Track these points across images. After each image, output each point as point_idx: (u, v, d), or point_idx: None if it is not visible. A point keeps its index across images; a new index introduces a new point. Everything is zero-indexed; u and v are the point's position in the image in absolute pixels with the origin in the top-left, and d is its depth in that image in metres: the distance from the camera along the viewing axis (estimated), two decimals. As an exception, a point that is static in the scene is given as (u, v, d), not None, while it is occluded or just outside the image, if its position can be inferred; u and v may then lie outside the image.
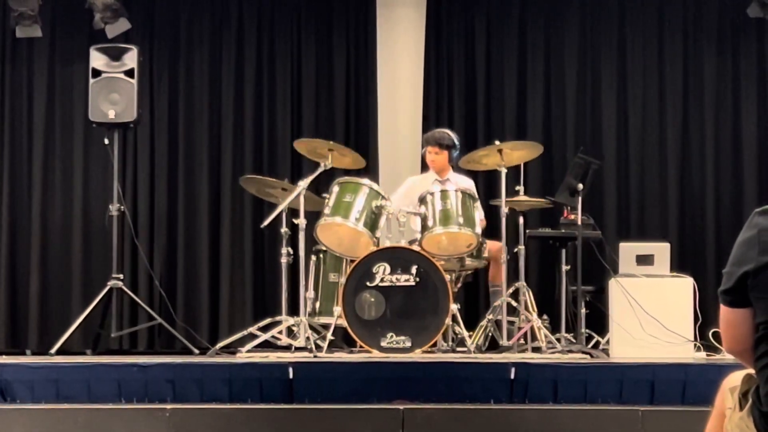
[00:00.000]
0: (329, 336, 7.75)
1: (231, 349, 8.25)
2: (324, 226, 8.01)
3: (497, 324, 8.19)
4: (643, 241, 8.67)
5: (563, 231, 8.90)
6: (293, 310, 8.33)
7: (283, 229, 8.36)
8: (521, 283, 8.31)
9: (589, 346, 8.61)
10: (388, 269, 7.69)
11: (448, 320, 7.71)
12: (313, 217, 8.18)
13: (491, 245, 8.41)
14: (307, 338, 7.71)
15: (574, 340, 8.49)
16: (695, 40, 10.60)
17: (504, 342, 8.08)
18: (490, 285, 8.78)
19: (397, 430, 6.30)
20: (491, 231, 8.70)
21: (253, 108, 10.65)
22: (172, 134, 10.63)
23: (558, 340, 8.37)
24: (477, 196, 8.33)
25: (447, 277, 7.76)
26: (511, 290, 8.31)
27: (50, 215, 10.53)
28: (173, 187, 10.58)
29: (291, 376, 6.72)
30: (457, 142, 8.90)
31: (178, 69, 10.69)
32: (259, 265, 10.51)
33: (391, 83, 10.63)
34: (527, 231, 8.77)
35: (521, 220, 8.60)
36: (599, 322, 8.78)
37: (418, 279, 7.67)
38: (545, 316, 8.57)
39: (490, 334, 8.23)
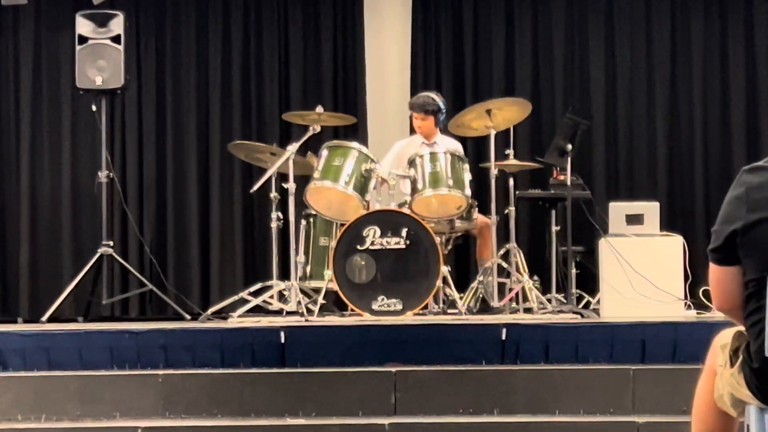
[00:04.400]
0: (320, 300, 7.76)
1: (222, 314, 8.27)
2: (313, 190, 8.00)
3: (488, 286, 8.21)
4: (633, 201, 8.67)
5: (553, 192, 8.91)
6: (284, 275, 8.34)
7: (273, 194, 8.36)
8: (512, 245, 8.32)
9: (580, 306, 8.64)
10: (379, 232, 7.69)
11: (439, 282, 7.72)
12: (303, 181, 8.17)
13: (479, 218, 8.40)
14: (299, 302, 7.72)
15: (564, 301, 8.52)
16: (683, 0, 10.56)
17: (495, 303, 8.09)
18: (478, 261, 8.78)
19: (390, 393, 6.32)
20: (481, 194, 8.70)
21: (241, 72, 10.61)
22: (160, 100, 10.60)
23: (549, 300, 8.39)
24: (465, 157, 8.32)
25: (437, 239, 7.77)
26: (501, 252, 8.33)
27: (39, 183, 10.50)
28: (162, 153, 10.56)
29: (283, 340, 6.72)
30: (443, 106, 8.89)
31: (165, 34, 10.64)
32: (249, 231, 10.51)
33: (379, 45, 10.60)
34: (517, 192, 8.77)
35: (511, 181, 8.59)
36: (590, 282, 8.82)
37: (408, 242, 7.68)
38: (536, 277, 8.59)
39: (481, 295, 8.25)
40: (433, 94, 9.04)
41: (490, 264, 8.18)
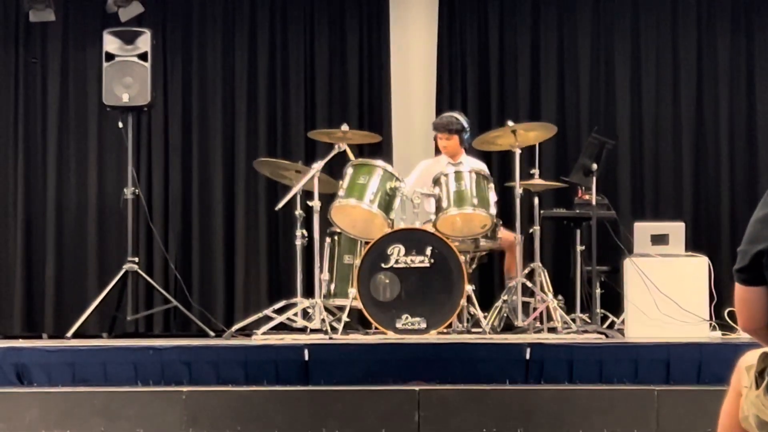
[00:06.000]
0: (344, 318, 7.76)
1: (246, 331, 8.27)
2: (338, 208, 8.01)
3: (512, 305, 8.20)
4: (658, 221, 8.66)
5: (578, 211, 8.89)
6: (308, 293, 8.34)
7: (298, 212, 8.36)
8: (536, 264, 8.31)
9: (605, 326, 8.61)
10: (403, 251, 7.69)
11: (463, 301, 7.71)
12: (328, 199, 8.18)
13: (506, 235, 8.40)
14: (323, 320, 7.72)
15: (589, 321, 8.50)
16: (709, 18, 10.55)
17: (519, 322, 8.08)
18: (505, 276, 8.80)
19: (413, 412, 6.31)
20: (505, 213, 8.70)
21: (267, 90, 10.64)
22: (186, 117, 10.64)
23: (573, 320, 8.37)
24: (491, 177, 8.32)
25: (462, 258, 7.76)
26: (526, 271, 8.31)
27: (65, 199, 10.55)
28: (187, 170, 10.59)
29: (306, 357, 6.73)
30: (466, 125, 8.90)
31: (191, 52, 10.69)
32: (273, 248, 10.52)
33: (404, 64, 10.62)
34: (542, 212, 8.76)
35: (536, 200, 8.59)
36: (614, 302, 8.80)
37: (432, 260, 7.67)
38: (560, 297, 8.57)
39: (505, 314, 8.24)
40: (456, 114, 9.05)
41: (515, 283, 8.17)
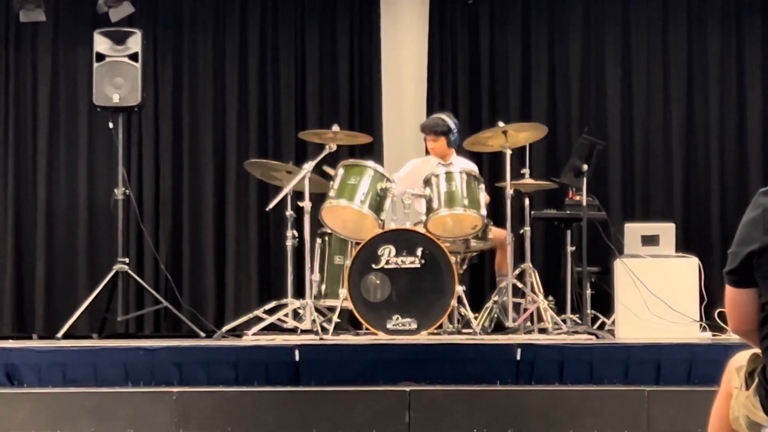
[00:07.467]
0: (335, 318, 7.76)
1: (237, 332, 8.27)
2: (329, 209, 8.01)
3: (503, 305, 8.20)
4: (648, 222, 8.67)
5: (568, 212, 8.90)
6: (299, 293, 8.34)
7: (288, 212, 8.36)
8: (527, 265, 8.31)
9: (595, 326, 8.62)
10: (394, 251, 7.69)
11: (454, 302, 7.71)
12: (319, 199, 8.18)
13: (497, 233, 8.40)
14: (313, 321, 7.72)
15: (579, 321, 8.50)
16: (699, 19, 10.57)
17: (510, 323, 8.08)
18: (496, 273, 8.80)
19: (404, 412, 6.31)
20: (496, 213, 8.71)
21: (258, 91, 10.64)
22: (177, 118, 10.64)
23: (564, 321, 8.38)
24: (481, 177, 8.32)
25: (452, 258, 7.76)
26: (516, 272, 8.32)
27: (55, 200, 10.54)
28: (178, 170, 10.59)
29: (297, 358, 6.73)
30: (453, 126, 8.88)
31: (182, 52, 10.69)
32: (264, 249, 10.52)
33: (395, 65, 10.62)
34: (532, 212, 8.77)
35: (526, 201, 8.59)
36: (605, 302, 8.81)
37: (423, 261, 7.67)
38: (551, 298, 8.58)
39: (496, 315, 8.24)
40: (443, 115, 9.03)
41: (505, 284, 8.18)
